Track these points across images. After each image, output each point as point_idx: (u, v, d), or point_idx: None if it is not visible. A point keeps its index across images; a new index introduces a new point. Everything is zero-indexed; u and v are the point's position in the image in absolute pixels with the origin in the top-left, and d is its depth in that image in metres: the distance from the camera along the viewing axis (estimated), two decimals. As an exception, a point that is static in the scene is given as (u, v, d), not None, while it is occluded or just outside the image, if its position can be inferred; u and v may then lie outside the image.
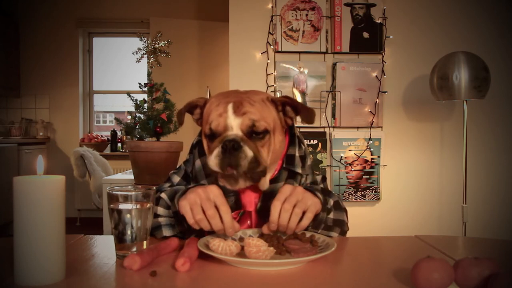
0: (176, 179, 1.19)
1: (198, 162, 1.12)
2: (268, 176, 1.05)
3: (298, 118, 1.06)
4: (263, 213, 1.06)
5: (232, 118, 0.96)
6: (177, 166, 1.24)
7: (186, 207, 0.92)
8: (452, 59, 2.25)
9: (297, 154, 1.09)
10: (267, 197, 1.06)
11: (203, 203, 0.91)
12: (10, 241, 0.75)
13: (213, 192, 0.92)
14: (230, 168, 0.93)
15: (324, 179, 1.21)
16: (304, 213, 0.93)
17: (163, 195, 1.06)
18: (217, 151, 0.94)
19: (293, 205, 0.91)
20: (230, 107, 0.97)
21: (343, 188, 2.62)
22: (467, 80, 2.20)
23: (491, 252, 1.05)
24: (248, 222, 1.08)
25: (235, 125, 0.95)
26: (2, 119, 4.99)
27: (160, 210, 1.05)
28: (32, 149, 4.67)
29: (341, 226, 1.11)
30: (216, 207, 0.91)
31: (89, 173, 3.77)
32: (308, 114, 1.01)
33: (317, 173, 1.21)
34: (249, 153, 0.93)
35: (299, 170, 1.07)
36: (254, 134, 0.96)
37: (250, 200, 1.06)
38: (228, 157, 0.92)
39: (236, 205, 1.06)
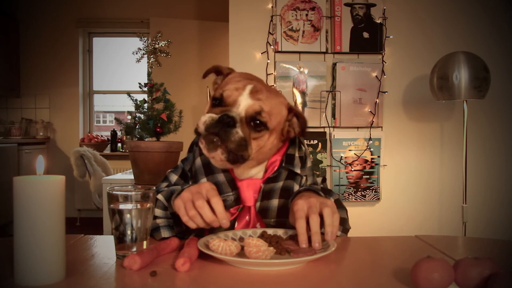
0: (174, 177, 1.19)
1: (198, 160, 1.12)
2: (254, 171, 1.06)
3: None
4: (264, 213, 1.06)
5: (245, 97, 0.97)
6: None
7: (180, 205, 0.92)
8: (452, 59, 2.25)
9: (297, 155, 1.10)
10: (266, 196, 1.06)
11: (193, 197, 0.90)
12: (10, 241, 0.75)
13: (205, 187, 0.93)
14: (215, 136, 0.94)
15: (324, 180, 1.21)
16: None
17: (160, 196, 1.06)
18: (214, 115, 0.95)
19: (318, 213, 0.89)
20: (249, 87, 0.99)
21: (343, 188, 2.62)
22: (467, 80, 2.20)
23: (491, 252, 1.05)
24: (247, 217, 1.08)
25: (243, 105, 0.96)
26: (2, 119, 4.99)
27: (158, 211, 1.05)
28: (32, 149, 4.67)
29: (343, 224, 1.12)
30: (208, 201, 0.90)
31: (89, 173, 3.76)
32: (302, 134, 1.08)
33: (317, 173, 1.21)
34: (240, 133, 0.94)
35: (298, 170, 1.08)
36: (254, 123, 0.97)
37: (249, 195, 1.06)
38: (219, 127, 0.93)
39: (236, 201, 1.07)
